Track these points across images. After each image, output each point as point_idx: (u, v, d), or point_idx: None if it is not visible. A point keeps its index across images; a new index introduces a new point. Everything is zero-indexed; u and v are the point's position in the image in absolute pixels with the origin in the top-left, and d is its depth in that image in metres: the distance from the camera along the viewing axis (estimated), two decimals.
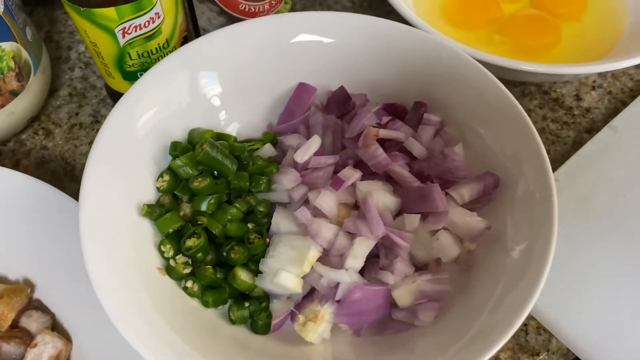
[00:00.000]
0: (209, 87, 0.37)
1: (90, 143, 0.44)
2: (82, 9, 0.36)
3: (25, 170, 0.42)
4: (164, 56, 0.41)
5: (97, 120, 0.46)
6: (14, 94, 0.41)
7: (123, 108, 0.33)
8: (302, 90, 0.40)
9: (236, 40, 0.36)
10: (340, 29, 0.37)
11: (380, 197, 0.34)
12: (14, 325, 0.33)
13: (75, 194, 0.39)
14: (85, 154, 0.44)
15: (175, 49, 0.41)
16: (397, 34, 0.38)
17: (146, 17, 0.37)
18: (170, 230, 0.33)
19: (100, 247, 0.30)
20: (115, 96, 0.45)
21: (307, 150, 0.35)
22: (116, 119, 0.33)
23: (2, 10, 0.37)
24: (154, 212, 0.33)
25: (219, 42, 0.36)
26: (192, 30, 0.44)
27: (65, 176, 0.43)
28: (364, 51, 0.38)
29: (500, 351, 0.35)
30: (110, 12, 0.36)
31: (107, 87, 0.45)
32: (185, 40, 0.42)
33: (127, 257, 0.31)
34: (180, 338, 0.29)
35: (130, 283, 0.30)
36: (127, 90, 0.41)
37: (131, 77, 0.41)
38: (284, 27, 0.37)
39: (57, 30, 0.51)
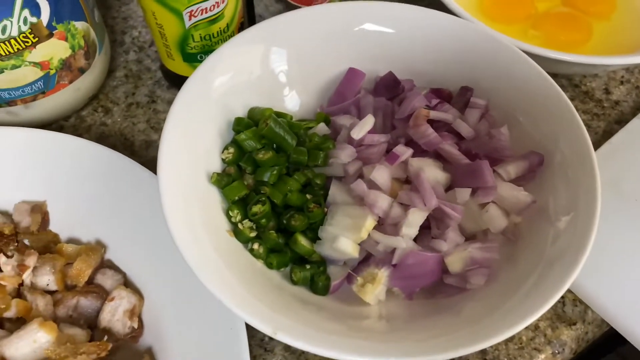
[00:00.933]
0: (277, 63, 0.39)
1: (147, 121, 0.47)
2: None
3: None
4: (224, 40, 0.43)
5: (153, 100, 0.48)
6: (82, 70, 0.43)
7: (198, 78, 0.36)
8: (353, 74, 0.42)
9: (306, 23, 0.39)
10: (399, 20, 0.40)
11: (432, 172, 0.36)
12: (90, 282, 0.35)
13: None
14: (143, 131, 0.46)
15: (234, 33, 0.44)
16: (448, 25, 0.40)
17: (212, 1, 0.40)
18: (237, 197, 0.36)
19: (177, 210, 0.32)
20: (171, 78, 0.48)
21: (362, 127, 0.38)
22: (194, 83, 0.36)
23: None
24: (222, 180, 0.36)
25: (292, 22, 0.39)
26: (247, 18, 0.46)
27: (125, 150, 0.45)
28: (415, 41, 0.41)
29: (539, 320, 0.37)
30: None
31: (164, 69, 0.47)
32: (241, 26, 0.45)
33: (199, 219, 0.33)
34: (249, 293, 0.31)
35: (203, 243, 0.32)
36: (186, 71, 0.44)
37: (191, 58, 0.44)
38: (349, 15, 0.40)
39: (111, 16, 0.53)
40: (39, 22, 0.38)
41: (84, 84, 0.44)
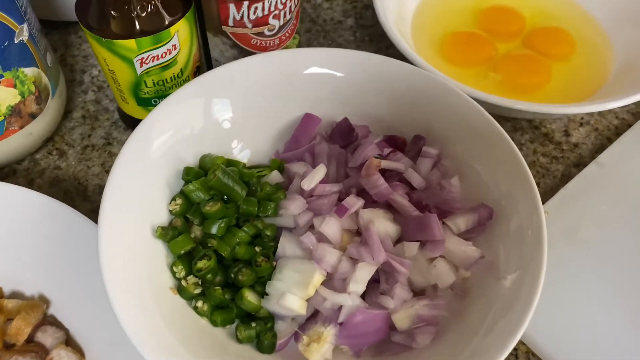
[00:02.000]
0: (221, 113, 0.39)
1: (102, 164, 0.46)
2: (103, 39, 0.38)
3: (39, 189, 0.44)
4: (178, 85, 0.43)
5: (109, 143, 0.47)
6: (33, 116, 0.43)
7: (140, 134, 0.35)
8: (308, 120, 0.42)
9: (250, 71, 0.38)
10: (347, 65, 0.40)
11: (382, 225, 0.36)
12: (30, 340, 0.34)
13: (87, 213, 0.41)
14: (97, 175, 0.46)
15: (189, 78, 0.44)
16: (398, 71, 0.40)
17: (164, 49, 0.39)
18: (182, 251, 0.35)
19: (117, 266, 0.31)
20: (127, 120, 0.47)
21: (313, 178, 0.37)
22: (134, 144, 0.35)
23: (26, 37, 0.39)
24: (167, 234, 0.35)
25: (234, 72, 0.38)
26: (204, 61, 0.46)
27: (78, 195, 0.44)
28: (367, 86, 0.41)
29: None
30: (130, 43, 0.38)
31: (120, 111, 0.47)
32: (198, 70, 0.44)
33: (141, 276, 0.33)
34: (191, 355, 0.31)
35: (144, 301, 0.32)
36: (140, 114, 0.44)
37: (145, 103, 0.43)
38: (296, 60, 0.39)
39: (72, 54, 0.53)
40: None
41: (36, 129, 0.44)
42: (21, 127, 0.42)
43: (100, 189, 0.44)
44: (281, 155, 0.42)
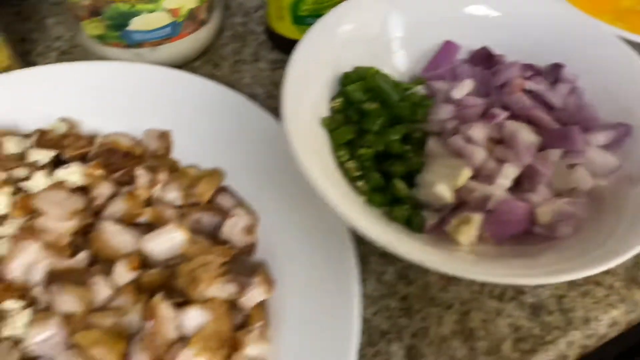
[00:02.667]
0: (394, 26, 0.43)
1: (252, 77, 0.51)
2: None
3: None
4: (331, 5, 0.47)
5: (257, 60, 0.52)
6: (202, 23, 0.48)
7: (325, 22, 0.40)
8: (449, 46, 0.46)
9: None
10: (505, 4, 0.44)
11: (525, 134, 0.40)
12: (210, 201, 0.39)
13: None
14: (248, 85, 0.51)
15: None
16: (543, 9, 0.44)
17: None
18: (344, 140, 0.40)
19: (300, 138, 0.36)
20: (276, 39, 0.52)
21: (462, 88, 0.41)
22: (316, 29, 0.40)
23: None
24: (332, 123, 0.40)
25: None
26: None
27: None
28: (514, 22, 0.45)
29: (614, 280, 0.40)
30: None
31: (270, 31, 0.52)
32: None
33: (314, 153, 0.37)
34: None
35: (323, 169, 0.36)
36: (292, 33, 0.49)
37: (300, 21, 0.48)
38: None
39: None
40: None
41: (202, 36, 0.49)
42: (192, 32, 0.48)
43: (252, 96, 0.49)
44: (424, 74, 0.46)
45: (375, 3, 0.43)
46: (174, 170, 0.41)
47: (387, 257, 0.41)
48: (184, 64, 0.51)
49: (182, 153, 0.42)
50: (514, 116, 0.41)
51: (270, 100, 0.49)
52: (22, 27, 0.53)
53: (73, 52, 0.52)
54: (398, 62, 0.45)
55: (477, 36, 0.46)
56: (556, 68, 0.43)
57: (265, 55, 0.53)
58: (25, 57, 0.51)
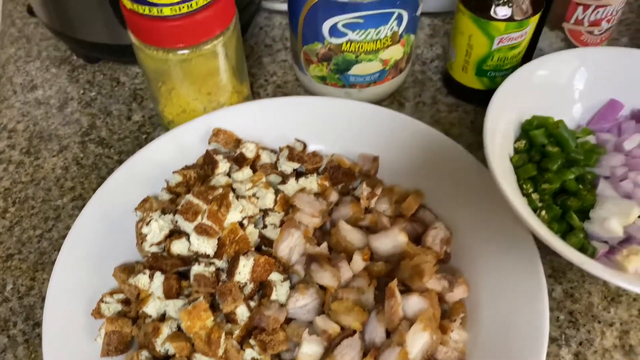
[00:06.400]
0: (579, 79, 0.52)
1: (431, 116, 0.61)
2: (482, 20, 0.52)
3: None
4: (512, 64, 0.57)
5: (435, 102, 0.62)
6: (400, 70, 0.59)
7: (514, 79, 0.49)
8: (613, 103, 0.54)
9: (605, 59, 0.52)
10: None
11: None
12: (413, 214, 0.49)
13: None
14: (429, 123, 0.60)
15: (519, 61, 0.57)
16: None
17: (519, 34, 0.53)
18: (527, 176, 0.48)
19: (500, 167, 0.45)
20: (454, 87, 0.62)
21: (632, 142, 0.49)
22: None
23: (419, 12, 0.55)
24: (519, 161, 0.48)
25: (598, 54, 0.52)
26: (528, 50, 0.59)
27: None
28: None
29: None
30: (502, 25, 0.52)
31: (449, 79, 0.62)
32: (524, 56, 0.58)
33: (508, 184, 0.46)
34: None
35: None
36: (472, 83, 0.58)
37: (482, 73, 0.58)
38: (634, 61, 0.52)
39: None
40: (397, 31, 0.53)
41: (398, 81, 0.60)
42: (392, 77, 0.58)
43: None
44: (592, 126, 0.54)
45: (569, 57, 0.51)
46: (384, 187, 0.50)
47: (555, 277, 0.49)
48: (378, 102, 0.61)
49: (385, 174, 0.52)
50: None
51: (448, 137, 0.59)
52: None
53: (285, 87, 0.64)
54: (575, 113, 0.53)
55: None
56: None
57: (442, 99, 0.63)
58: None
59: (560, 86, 0.52)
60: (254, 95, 0.63)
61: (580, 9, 0.53)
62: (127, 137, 0.59)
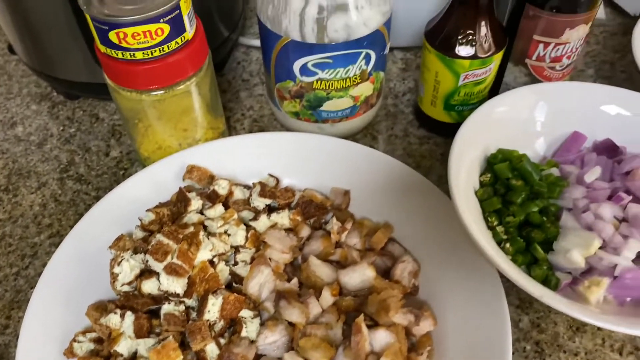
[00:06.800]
0: (539, 113, 0.54)
1: (403, 149, 0.63)
2: (447, 57, 0.54)
3: None
4: (478, 98, 0.59)
5: (407, 135, 0.64)
6: (371, 106, 0.60)
7: (477, 115, 0.51)
8: (577, 136, 0.56)
9: (562, 93, 0.53)
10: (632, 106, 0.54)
11: None
12: (382, 248, 0.50)
13: None
14: (400, 155, 0.62)
15: (486, 94, 0.59)
16: None
17: (484, 70, 0.55)
18: (492, 209, 0.50)
19: (463, 201, 0.46)
20: (424, 120, 0.64)
21: (593, 174, 0.50)
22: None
23: (387, 51, 0.57)
24: (484, 194, 0.50)
25: (556, 89, 0.54)
26: (493, 84, 0.61)
27: None
28: (632, 119, 0.54)
29: None
30: (466, 62, 0.54)
31: (420, 112, 0.63)
32: (491, 90, 0.60)
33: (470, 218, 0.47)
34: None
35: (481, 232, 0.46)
36: (441, 117, 0.60)
37: (450, 108, 0.59)
38: (595, 95, 0.54)
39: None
40: (365, 69, 0.55)
41: (369, 115, 0.61)
42: (364, 112, 0.60)
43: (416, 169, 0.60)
44: (557, 158, 0.56)
45: (527, 93, 0.53)
46: (354, 221, 0.52)
47: (522, 307, 0.50)
48: (351, 136, 0.63)
49: (356, 207, 0.54)
50: (636, 200, 0.50)
51: (419, 169, 0.60)
52: (222, 98, 0.68)
53: (262, 120, 0.66)
54: (538, 146, 0.55)
55: (603, 128, 0.55)
56: None
57: (413, 131, 0.64)
58: (226, 122, 0.65)
59: (521, 121, 0.54)
60: (231, 129, 0.65)
61: (541, 46, 0.55)
62: (105, 173, 0.60)
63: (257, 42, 0.72)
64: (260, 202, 0.51)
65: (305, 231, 0.50)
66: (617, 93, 0.54)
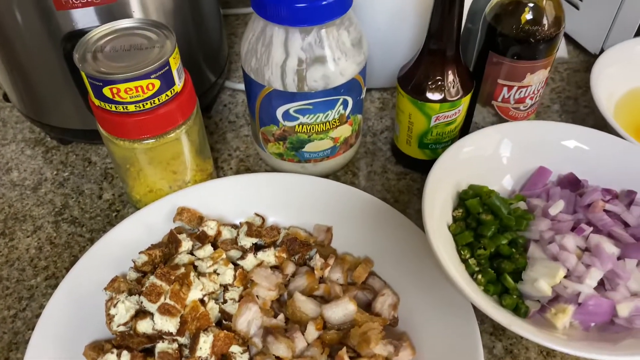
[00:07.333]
0: (504, 150, 0.58)
1: (382, 185, 0.66)
2: (419, 101, 0.59)
3: None
4: (451, 137, 0.63)
5: (385, 171, 0.68)
6: (350, 145, 0.64)
7: (447, 155, 0.55)
8: (542, 170, 0.60)
9: (521, 132, 0.58)
10: (593, 141, 0.58)
11: (607, 246, 0.52)
12: (364, 282, 0.53)
13: None
14: (380, 191, 0.66)
15: (457, 133, 0.63)
16: (617, 147, 0.57)
17: (454, 112, 0.59)
18: (465, 243, 0.53)
19: (437, 239, 0.50)
20: (401, 157, 0.67)
21: (557, 207, 0.54)
22: (448, 153, 0.55)
23: (363, 95, 0.61)
24: (457, 229, 0.54)
25: (514, 128, 0.58)
26: (464, 124, 0.65)
27: None
28: (598, 157, 0.58)
29: None
30: (436, 105, 0.58)
31: (397, 150, 0.67)
32: (461, 130, 0.64)
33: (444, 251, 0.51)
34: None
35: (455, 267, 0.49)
36: (417, 154, 0.64)
37: (424, 146, 0.63)
38: (555, 131, 0.58)
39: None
40: (343, 113, 0.59)
41: (349, 154, 0.65)
42: (344, 152, 0.64)
43: (383, 200, 0.64)
44: (523, 192, 0.59)
45: (492, 133, 0.57)
46: (336, 256, 0.55)
47: (496, 334, 0.53)
48: (332, 173, 0.67)
49: (338, 243, 0.57)
50: (597, 231, 0.54)
51: (397, 204, 0.64)
52: (210, 140, 0.71)
53: (248, 161, 0.69)
54: (505, 181, 0.59)
55: (565, 162, 0.59)
56: (630, 194, 0.56)
57: (391, 168, 0.68)
58: (214, 163, 0.68)
59: (489, 158, 0.58)
60: (218, 169, 0.68)
61: (505, 89, 0.59)
62: (98, 215, 0.63)
63: (242, 86, 0.76)
64: (247, 241, 0.54)
65: (290, 268, 0.53)
66: (574, 130, 0.59)
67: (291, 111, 0.57)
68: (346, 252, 0.57)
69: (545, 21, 0.55)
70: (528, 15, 0.55)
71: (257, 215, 0.58)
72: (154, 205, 0.57)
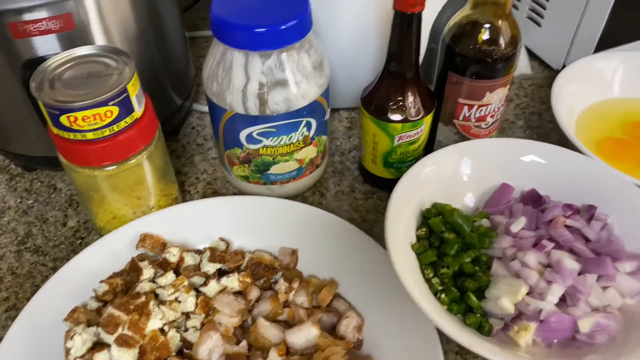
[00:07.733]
0: (465, 169, 0.58)
1: (350, 204, 0.66)
2: (382, 122, 0.59)
3: None
4: (414, 156, 0.63)
5: (353, 191, 0.68)
6: (317, 166, 0.64)
7: (409, 175, 0.55)
8: (505, 187, 0.60)
9: (481, 150, 0.58)
10: (551, 156, 0.59)
11: (568, 261, 0.52)
12: (328, 305, 0.53)
13: None
14: (347, 210, 0.66)
15: (421, 152, 0.64)
16: (575, 162, 0.58)
17: (416, 131, 0.60)
18: (428, 262, 0.53)
19: (400, 259, 0.50)
20: (368, 176, 0.68)
21: (518, 224, 0.55)
22: (401, 185, 0.55)
23: (327, 117, 0.62)
24: (420, 248, 0.54)
25: (473, 147, 0.58)
26: (428, 142, 0.66)
27: None
28: (554, 169, 0.59)
29: None
30: (399, 126, 0.59)
31: (364, 169, 0.68)
32: (425, 148, 0.64)
33: (407, 267, 0.51)
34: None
35: (417, 288, 0.49)
36: (382, 173, 0.64)
37: (389, 165, 0.64)
38: (514, 148, 0.59)
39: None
40: (308, 135, 0.59)
41: (315, 175, 0.65)
42: (310, 173, 0.64)
43: (351, 219, 0.64)
44: (486, 209, 0.60)
45: (451, 152, 0.58)
46: (301, 279, 0.55)
47: (462, 353, 0.53)
48: (297, 195, 0.67)
49: (304, 265, 0.57)
50: (559, 246, 0.54)
51: (365, 223, 0.64)
52: (177, 163, 0.71)
53: (215, 184, 0.69)
54: (467, 199, 0.60)
55: (527, 179, 0.60)
56: (591, 208, 0.57)
57: (359, 187, 0.68)
58: (180, 187, 0.68)
59: (450, 176, 0.59)
60: (185, 193, 0.68)
61: (465, 108, 0.60)
62: (62, 243, 0.62)
63: None
64: (210, 267, 0.53)
65: (254, 293, 0.53)
66: (533, 146, 0.59)
67: (254, 134, 0.57)
68: (312, 274, 0.57)
69: (501, 41, 0.56)
70: (484, 36, 0.56)
71: (222, 239, 0.57)
72: (117, 232, 0.56)
